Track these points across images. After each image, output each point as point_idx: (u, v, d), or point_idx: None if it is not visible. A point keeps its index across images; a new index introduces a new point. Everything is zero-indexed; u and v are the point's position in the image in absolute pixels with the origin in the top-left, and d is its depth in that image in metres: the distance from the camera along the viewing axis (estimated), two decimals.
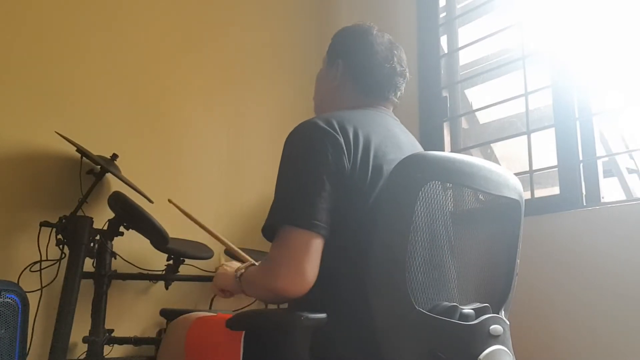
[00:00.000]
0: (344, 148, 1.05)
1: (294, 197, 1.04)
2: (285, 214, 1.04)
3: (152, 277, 1.96)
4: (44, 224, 1.78)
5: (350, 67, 1.29)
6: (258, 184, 2.42)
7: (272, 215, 1.05)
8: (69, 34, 2.05)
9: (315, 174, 1.03)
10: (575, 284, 1.70)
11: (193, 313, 1.28)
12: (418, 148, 1.26)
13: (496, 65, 2.38)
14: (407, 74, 1.32)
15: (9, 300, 1.45)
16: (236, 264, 1.30)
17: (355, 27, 1.35)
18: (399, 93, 1.31)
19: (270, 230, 1.05)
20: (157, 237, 1.86)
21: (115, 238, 1.86)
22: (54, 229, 1.78)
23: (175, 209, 1.41)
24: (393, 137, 1.18)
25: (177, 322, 1.27)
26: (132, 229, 1.88)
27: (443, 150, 2.31)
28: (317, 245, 1.01)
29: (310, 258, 1.00)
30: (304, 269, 1.00)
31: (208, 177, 2.32)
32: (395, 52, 1.30)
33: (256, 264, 1.19)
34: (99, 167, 1.89)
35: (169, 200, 1.42)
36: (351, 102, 1.27)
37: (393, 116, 1.29)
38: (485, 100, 2.44)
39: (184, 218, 1.43)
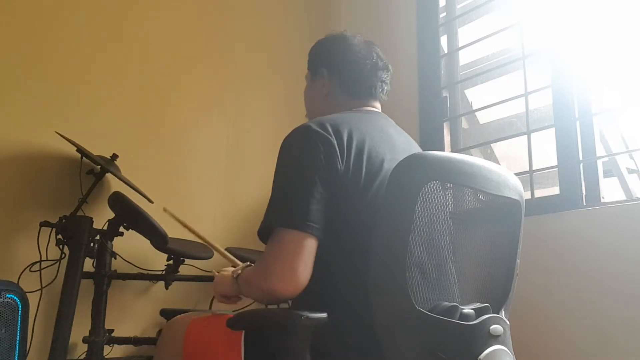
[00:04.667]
0: (337, 149, 1.07)
1: (286, 199, 1.06)
2: (278, 216, 1.05)
3: (152, 277, 1.96)
4: (44, 224, 1.78)
5: (335, 72, 1.32)
6: (258, 184, 2.42)
7: (266, 218, 1.07)
8: (70, 34, 2.05)
9: (308, 176, 1.04)
10: (576, 283, 1.70)
11: (188, 314, 1.28)
12: (414, 147, 1.27)
13: (496, 65, 2.38)
14: (390, 67, 1.35)
15: (9, 300, 1.45)
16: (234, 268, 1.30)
17: (328, 36, 1.39)
18: (385, 87, 1.34)
19: (265, 232, 1.07)
20: (157, 237, 1.86)
21: (115, 238, 1.86)
22: (54, 229, 1.78)
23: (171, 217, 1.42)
24: (387, 137, 1.19)
25: (172, 323, 1.26)
26: (132, 229, 1.88)
27: (443, 150, 2.31)
28: (310, 245, 1.02)
29: (302, 258, 1.01)
30: (297, 270, 1.01)
31: (208, 177, 2.33)
32: (372, 47, 1.34)
33: (253, 265, 1.20)
34: (99, 167, 1.89)
35: (165, 210, 1.43)
36: (343, 106, 1.29)
37: (386, 117, 1.31)
38: (485, 100, 2.44)
39: (184, 218, 1.43)
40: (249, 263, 1.25)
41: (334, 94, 1.32)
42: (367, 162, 1.09)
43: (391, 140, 1.19)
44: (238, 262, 1.36)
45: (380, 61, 1.32)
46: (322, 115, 1.21)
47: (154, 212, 1.83)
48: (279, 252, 1.02)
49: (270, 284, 1.01)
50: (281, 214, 1.05)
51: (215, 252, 2.05)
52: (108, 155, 1.95)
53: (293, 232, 1.02)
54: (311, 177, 1.04)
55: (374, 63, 1.30)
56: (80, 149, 1.85)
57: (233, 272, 1.21)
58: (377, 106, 1.33)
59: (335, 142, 1.07)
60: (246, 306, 1.94)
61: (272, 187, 1.09)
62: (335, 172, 1.06)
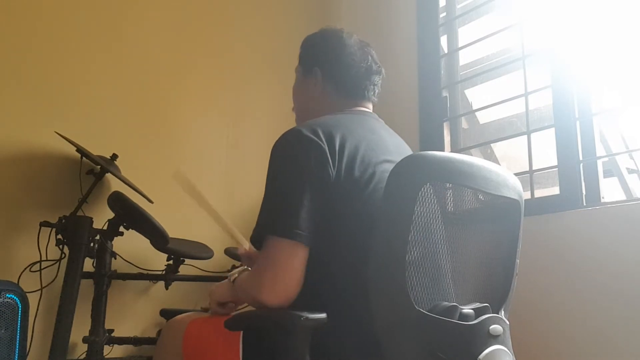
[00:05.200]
0: (328, 155, 1.06)
1: (277, 207, 1.06)
2: (269, 225, 1.05)
3: (152, 277, 1.96)
4: (44, 224, 1.78)
5: (329, 73, 1.30)
6: (258, 184, 2.41)
7: (257, 226, 1.07)
8: (70, 34, 2.05)
9: (298, 184, 1.04)
10: (575, 283, 1.70)
11: (187, 314, 1.28)
12: (405, 148, 1.28)
13: (496, 65, 2.38)
14: (383, 71, 1.34)
15: (9, 300, 1.45)
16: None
17: (324, 32, 1.36)
18: (377, 90, 1.33)
19: (257, 240, 1.07)
20: (157, 237, 1.86)
21: (115, 238, 1.86)
22: (54, 229, 1.79)
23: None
24: (379, 139, 1.19)
25: (171, 323, 1.26)
26: (132, 229, 1.88)
27: (443, 150, 2.31)
28: (300, 254, 1.02)
29: (293, 268, 1.01)
30: (287, 279, 1.01)
31: (208, 177, 2.33)
32: (367, 50, 1.32)
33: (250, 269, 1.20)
34: (99, 167, 1.90)
35: (177, 172, 1.40)
36: (335, 107, 1.28)
37: (377, 118, 1.31)
38: (485, 100, 2.44)
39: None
40: (245, 267, 1.25)
41: (327, 94, 1.30)
42: (360, 165, 1.09)
43: (383, 141, 1.19)
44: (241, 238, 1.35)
45: (374, 65, 1.31)
46: (312, 115, 1.21)
47: (154, 212, 1.84)
48: (270, 263, 1.02)
49: (261, 295, 1.01)
50: (271, 223, 1.05)
51: (216, 251, 2.05)
52: (108, 155, 1.96)
53: (283, 240, 1.02)
54: (301, 185, 1.04)
55: (368, 66, 1.30)
56: (80, 149, 1.85)
57: (230, 275, 1.21)
58: (369, 107, 1.32)
59: (326, 148, 1.07)
60: (245, 306, 1.94)
61: (264, 194, 1.09)
62: (327, 178, 1.05)
